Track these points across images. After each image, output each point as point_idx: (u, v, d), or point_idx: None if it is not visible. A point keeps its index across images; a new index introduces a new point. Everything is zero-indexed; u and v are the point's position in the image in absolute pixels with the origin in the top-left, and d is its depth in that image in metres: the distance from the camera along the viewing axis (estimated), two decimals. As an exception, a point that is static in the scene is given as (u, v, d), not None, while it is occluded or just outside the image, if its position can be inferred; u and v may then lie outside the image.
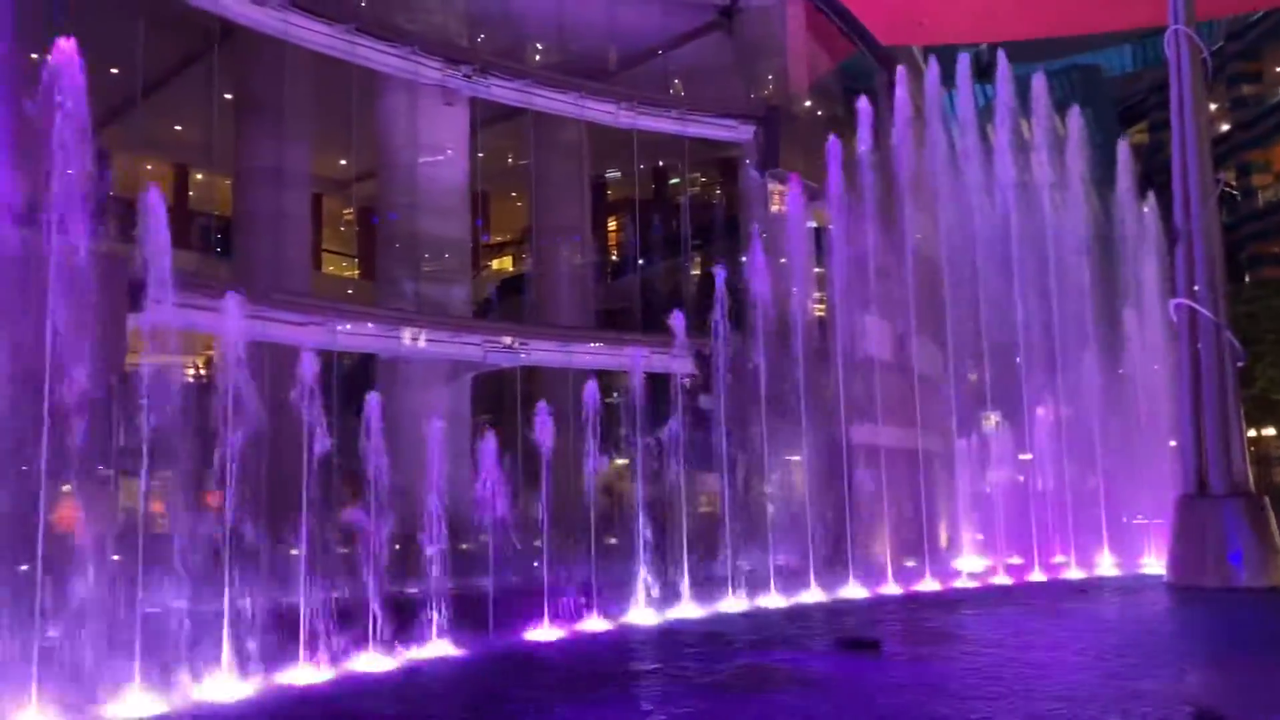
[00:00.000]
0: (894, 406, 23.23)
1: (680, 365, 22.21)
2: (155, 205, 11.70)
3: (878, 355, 23.29)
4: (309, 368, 12.71)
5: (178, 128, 30.67)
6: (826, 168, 22.96)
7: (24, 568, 9.75)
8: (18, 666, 9.48)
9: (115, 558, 11.31)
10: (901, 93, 24.49)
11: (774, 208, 28.77)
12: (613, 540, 19.16)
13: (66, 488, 10.49)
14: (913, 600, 19.37)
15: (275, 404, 13.05)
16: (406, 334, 25.79)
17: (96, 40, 24.93)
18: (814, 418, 21.46)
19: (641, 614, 16.54)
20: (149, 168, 34.56)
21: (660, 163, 37.99)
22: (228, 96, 27.17)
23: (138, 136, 30.59)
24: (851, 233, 22.82)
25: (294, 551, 12.97)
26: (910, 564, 22.19)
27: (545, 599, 15.17)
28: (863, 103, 24.21)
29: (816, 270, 25.08)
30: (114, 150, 32.69)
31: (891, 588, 20.32)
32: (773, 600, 18.52)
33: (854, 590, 19.78)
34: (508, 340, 27.61)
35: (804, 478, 21.75)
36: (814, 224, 25.58)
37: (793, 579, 19.48)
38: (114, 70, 26.65)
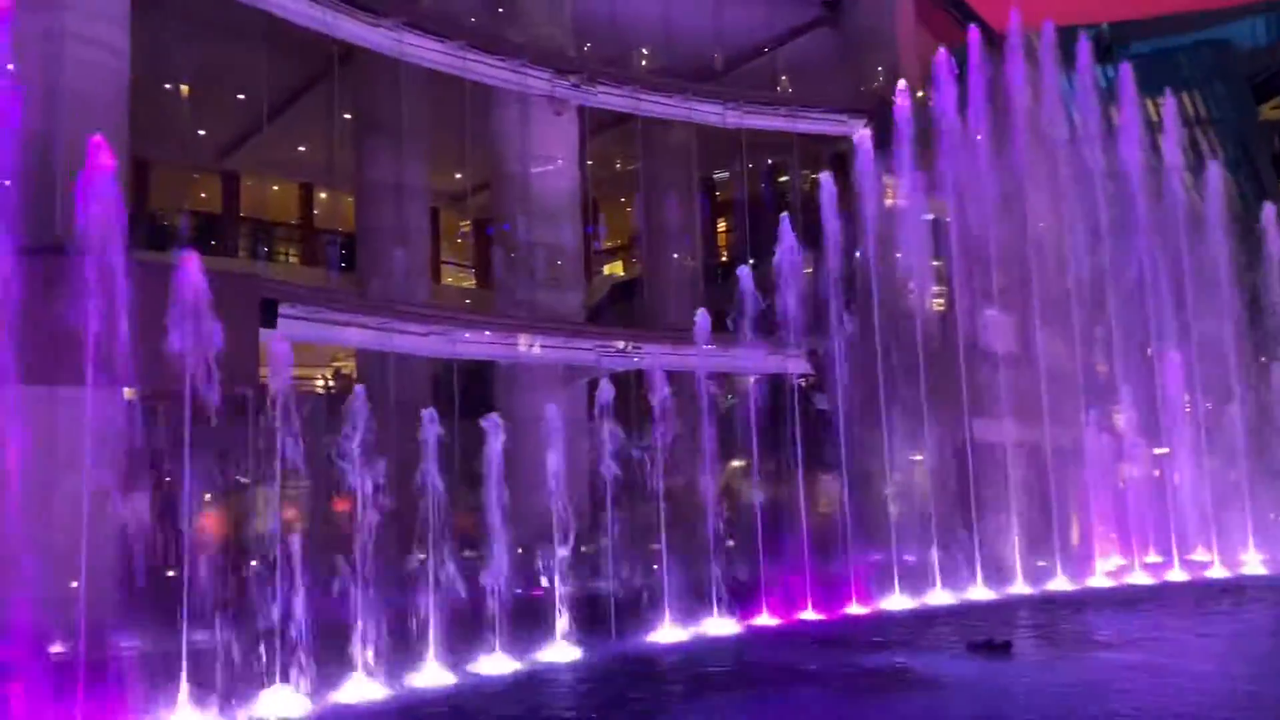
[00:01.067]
0: (1021, 401, 22.50)
1: (795, 365, 21.96)
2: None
3: (1001, 348, 22.60)
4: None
5: (302, 149, 31.78)
6: (941, 158, 22.44)
7: (171, 573, 10.24)
8: (169, 666, 9.97)
9: (254, 564, 11.78)
10: (1018, 78, 23.74)
11: (889, 201, 28.23)
12: (731, 542, 19.06)
13: (208, 497, 10.98)
14: (1045, 601, 18.76)
15: (402, 413, 13.40)
16: (523, 341, 26.15)
17: (224, 70, 26.22)
18: (936, 414, 20.94)
19: (763, 617, 16.42)
20: (275, 188, 35.97)
21: (770, 161, 37.65)
22: (348, 117, 28.02)
23: (265, 158, 31.87)
24: (970, 223, 22.23)
25: (420, 558, 13.29)
26: (1041, 563, 21.46)
27: (666, 602, 15.19)
28: (976, 91, 23.54)
29: (935, 263, 24.47)
30: (243, 172, 34.22)
31: (1021, 588, 19.71)
32: (898, 602, 18.16)
33: (981, 591, 19.25)
34: (620, 344, 27.76)
35: (926, 476, 21.25)
36: (931, 216, 24.99)
37: (918, 580, 19.06)
38: (240, 97, 27.81)
